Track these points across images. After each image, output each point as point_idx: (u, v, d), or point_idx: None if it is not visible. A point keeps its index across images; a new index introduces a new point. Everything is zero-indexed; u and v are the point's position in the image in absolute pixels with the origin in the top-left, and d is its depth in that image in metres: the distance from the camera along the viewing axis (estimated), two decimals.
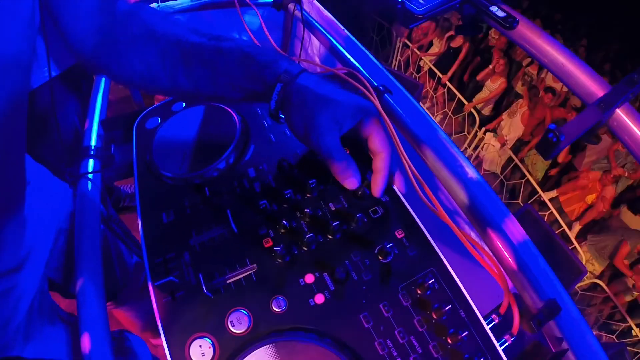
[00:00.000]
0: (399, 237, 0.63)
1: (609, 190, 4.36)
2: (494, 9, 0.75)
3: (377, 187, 0.64)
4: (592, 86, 0.77)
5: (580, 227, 4.57)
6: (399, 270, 0.60)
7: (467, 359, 0.54)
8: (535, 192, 4.72)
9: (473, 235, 0.82)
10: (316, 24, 1.30)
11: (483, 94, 5.57)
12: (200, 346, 0.56)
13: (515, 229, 0.79)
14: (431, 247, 0.62)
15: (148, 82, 0.72)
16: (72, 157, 1.33)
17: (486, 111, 5.64)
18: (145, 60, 0.70)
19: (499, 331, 0.62)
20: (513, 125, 5.15)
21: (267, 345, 0.54)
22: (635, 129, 0.72)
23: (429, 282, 0.58)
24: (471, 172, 0.86)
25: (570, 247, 4.24)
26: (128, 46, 0.70)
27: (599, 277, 4.29)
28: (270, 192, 0.70)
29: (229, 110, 0.82)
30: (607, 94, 0.72)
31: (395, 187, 0.68)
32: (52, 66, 1.30)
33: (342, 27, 1.30)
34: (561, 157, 4.96)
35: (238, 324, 0.56)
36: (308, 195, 0.68)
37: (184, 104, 0.89)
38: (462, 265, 0.73)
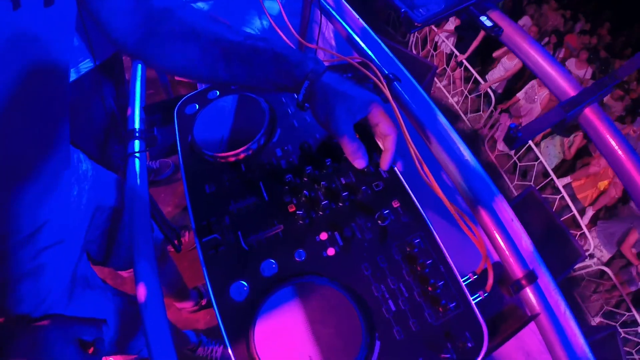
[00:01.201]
0: (395, 206, 0.81)
1: None
2: (483, 18, 0.91)
3: (385, 162, 0.81)
4: (567, 87, 0.90)
5: (593, 212, 4.64)
6: (393, 232, 0.78)
7: (444, 304, 0.71)
8: (547, 175, 4.79)
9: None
10: (333, 12, 1.43)
11: (498, 71, 5.60)
12: (238, 287, 0.74)
13: (503, 207, 0.93)
14: (421, 216, 0.80)
15: (190, 73, 0.84)
16: (107, 138, 1.50)
17: (499, 87, 5.68)
18: (187, 55, 0.82)
19: (475, 288, 0.78)
20: (532, 108, 5.20)
21: (290, 286, 0.72)
22: (599, 128, 0.86)
23: (416, 242, 0.76)
24: (467, 155, 1.00)
25: (579, 233, 4.34)
26: (170, 42, 0.81)
27: (607, 264, 4.37)
28: (294, 168, 0.88)
29: (259, 99, 1.00)
30: (575, 96, 0.87)
31: (394, 167, 0.85)
32: (91, 60, 1.46)
33: (357, 16, 1.44)
34: (575, 146, 5.03)
35: (268, 270, 0.75)
36: (324, 171, 0.86)
37: (217, 92, 1.07)
38: (454, 237, 0.89)
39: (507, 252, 0.85)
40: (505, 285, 0.86)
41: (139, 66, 1.37)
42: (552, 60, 0.96)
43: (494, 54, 5.66)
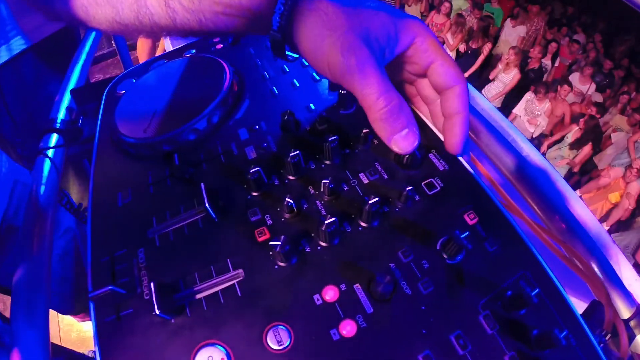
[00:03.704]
0: (470, 222, 0.38)
1: (634, 186, 4.01)
2: None
3: (457, 137, 0.40)
4: None
5: (607, 228, 4.23)
6: (475, 275, 0.35)
7: None
8: None
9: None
10: None
11: (495, 87, 5.23)
12: None
13: (593, 221, 0.63)
14: (519, 238, 0.38)
15: (99, 10, 0.48)
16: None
17: (497, 103, 5.31)
18: None
19: (610, 356, 0.45)
20: (538, 123, 4.84)
21: None
22: None
23: (525, 294, 0.33)
24: (536, 155, 0.68)
25: None
26: None
27: None
28: (268, 159, 0.45)
29: (218, 59, 0.58)
30: None
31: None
32: (24, 38, 1.08)
33: None
34: (581, 155, 4.63)
35: None
36: (327, 162, 0.44)
37: (165, 62, 0.66)
38: None
39: (609, 285, 0.54)
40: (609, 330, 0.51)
41: (92, 36, 1.07)
42: None
43: (491, 76, 5.27)
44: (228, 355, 0.33)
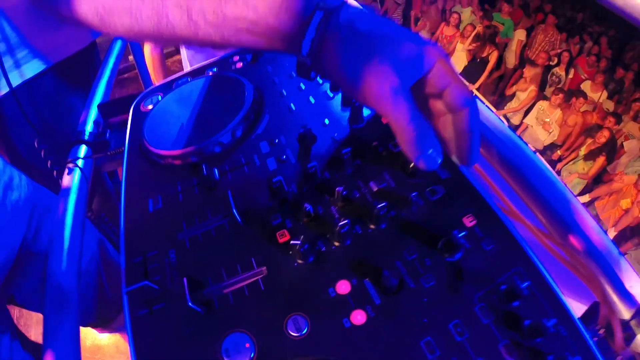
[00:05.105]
0: (468, 225, 0.42)
1: None
2: None
3: (471, 152, 0.43)
4: None
5: (616, 233, 4.17)
6: (473, 271, 0.39)
7: None
8: None
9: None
10: None
11: (514, 104, 5.22)
12: None
13: (591, 226, 0.61)
14: (513, 238, 0.41)
15: (116, 19, 0.48)
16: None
17: (515, 120, 5.28)
18: None
19: (604, 351, 0.42)
20: (550, 132, 4.80)
21: None
22: None
23: (518, 287, 0.37)
24: (538, 161, 0.67)
25: None
26: None
27: None
28: (289, 169, 0.50)
29: (240, 78, 0.63)
30: None
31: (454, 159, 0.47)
32: (42, 59, 1.07)
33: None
34: (595, 168, 4.59)
35: (236, 354, 0.36)
36: (340, 171, 0.48)
37: (189, 79, 0.71)
38: None
39: (609, 286, 0.54)
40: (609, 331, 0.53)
41: (116, 47, 1.11)
42: None
43: (507, 91, 5.24)
44: (252, 342, 0.37)
